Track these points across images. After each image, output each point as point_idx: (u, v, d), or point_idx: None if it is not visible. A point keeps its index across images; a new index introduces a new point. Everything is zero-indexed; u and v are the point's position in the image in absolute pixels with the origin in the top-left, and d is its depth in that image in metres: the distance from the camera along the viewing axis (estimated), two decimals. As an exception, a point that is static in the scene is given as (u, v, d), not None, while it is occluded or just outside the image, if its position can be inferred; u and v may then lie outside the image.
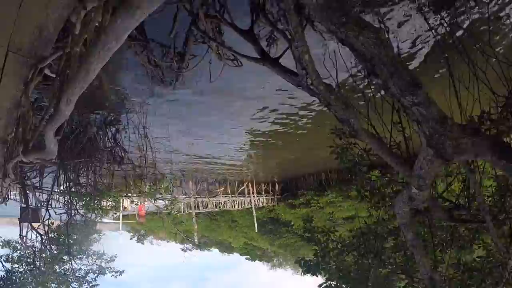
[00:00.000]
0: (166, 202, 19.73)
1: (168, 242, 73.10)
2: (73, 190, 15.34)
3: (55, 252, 14.67)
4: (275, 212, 37.06)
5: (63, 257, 14.46)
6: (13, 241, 15.58)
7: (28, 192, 16.24)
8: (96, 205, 16.02)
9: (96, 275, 15.71)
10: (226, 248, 56.09)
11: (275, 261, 55.83)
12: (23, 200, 18.77)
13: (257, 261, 55.61)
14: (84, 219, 16.99)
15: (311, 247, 30.38)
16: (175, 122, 14.81)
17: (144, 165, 14.53)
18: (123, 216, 30.96)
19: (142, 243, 64.12)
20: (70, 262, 14.77)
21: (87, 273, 15.52)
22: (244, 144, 20.04)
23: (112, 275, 16.25)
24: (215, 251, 60.30)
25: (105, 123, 14.20)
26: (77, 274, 14.86)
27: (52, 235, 14.99)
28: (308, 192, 32.78)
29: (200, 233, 56.47)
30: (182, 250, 67.23)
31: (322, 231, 9.90)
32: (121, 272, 16.46)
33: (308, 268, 8.93)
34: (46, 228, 15.08)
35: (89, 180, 16.15)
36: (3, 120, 4.99)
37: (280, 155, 24.22)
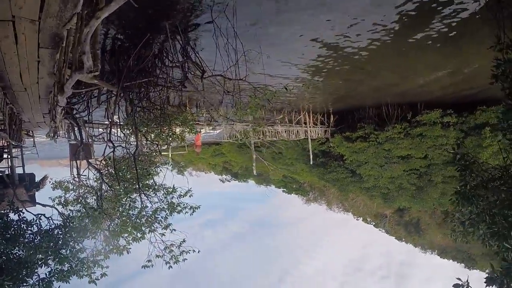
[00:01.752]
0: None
1: (206, 173, 74.31)
2: (136, 117, 13.46)
3: (117, 189, 12.94)
4: (327, 145, 35.74)
5: (128, 194, 12.65)
6: (65, 182, 14.27)
7: (77, 127, 15.11)
8: (165, 134, 14.51)
9: (167, 212, 13.33)
10: (264, 179, 56.22)
11: (310, 195, 55.95)
12: (73, 136, 17.74)
13: (293, 194, 55.81)
14: (148, 151, 15.70)
15: (360, 184, 29.21)
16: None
17: (235, 77, 11.76)
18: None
19: (182, 175, 64.93)
20: (133, 200, 12.94)
21: (155, 211, 13.14)
22: (306, 70, 18.08)
23: (186, 211, 13.61)
24: (251, 182, 60.76)
25: (176, 32, 11.86)
26: (144, 213, 12.59)
27: (109, 171, 13.51)
28: (368, 126, 30.88)
29: (239, 164, 56.70)
30: (220, 180, 68.74)
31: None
32: (195, 208, 13.77)
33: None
34: (104, 163, 13.80)
35: (155, 105, 14.53)
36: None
37: (339, 84, 22.10)
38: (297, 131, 30.97)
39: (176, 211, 13.44)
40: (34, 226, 10.20)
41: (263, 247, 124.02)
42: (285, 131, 30.22)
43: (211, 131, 29.18)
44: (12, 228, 9.74)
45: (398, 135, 29.68)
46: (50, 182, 15.07)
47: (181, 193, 14.02)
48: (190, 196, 14.28)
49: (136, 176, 12.34)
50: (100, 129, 19.80)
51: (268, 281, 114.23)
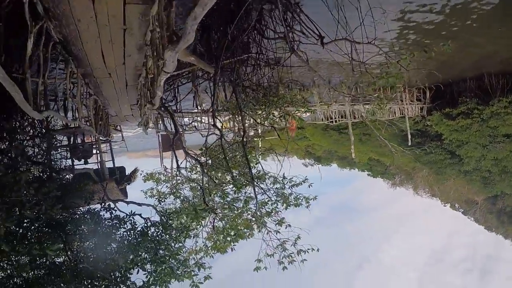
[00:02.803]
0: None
1: (289, 158, 73.89)
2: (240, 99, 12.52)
3: (222, 180, 12.03)
4: (424, 123, 34.06)
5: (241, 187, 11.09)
6: (156, 173, 13.88)
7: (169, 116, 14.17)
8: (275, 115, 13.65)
9: (280, 205, 11.69)
10: (348, 163, 55.28)
11: (396, 179, 54.03)
12: (163, 126, 17.90)
13: (378, 178, 54.39)
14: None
15: (459, 167, 26.92)
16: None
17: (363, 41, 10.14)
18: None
19: (265, 160, 65.41)
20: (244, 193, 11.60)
21: (268, 204, 11.53)
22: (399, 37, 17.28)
23: (301, 204, 11.79)
24: (334, 165, 60.12)
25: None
26: (256, 207, 11.03)
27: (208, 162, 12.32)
28: (471, 100, 28.38)
29: (323, 147, 56.20)
30: (304, 165, 68.63)
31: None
32: (311, 199, 11.87)
33: None
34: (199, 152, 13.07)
35: (258, 85, 13.83)
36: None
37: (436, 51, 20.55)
38: (393, 109, 29.95)
39: (293, 203, 11.73)
40: (128, 223, 9.22)
41: (343, 232, 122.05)
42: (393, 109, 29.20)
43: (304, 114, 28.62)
44: (104, 225, 8.84)
45: (505, 109, 26.93)
46: (141, 174, 15.00)
47: (295, 182, 12.21)
48: (309, 186, 12.63)
49: (248, 166, 10.75)
50: (186, 119, 20.52)
51: (347, 268, 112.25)
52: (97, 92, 9.00)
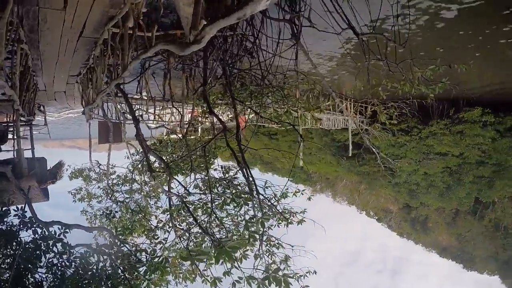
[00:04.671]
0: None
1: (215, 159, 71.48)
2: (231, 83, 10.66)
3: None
4: (360, 136, 34.63)
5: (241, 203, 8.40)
6: (86, 169, 11.42)
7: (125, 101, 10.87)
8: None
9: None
10: (271, 168, 54.87)
11: (317, 186, 55.16)
12: (105, 113, 14.42)
13: (300, 185, 54.91)
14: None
15: (390, 179, 28.15)
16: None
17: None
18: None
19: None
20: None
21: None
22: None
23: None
24: (256, 169, 59.17)
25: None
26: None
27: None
28: (411, 119, 30.16)
29: (250, 151, 54.70)
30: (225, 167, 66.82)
31: None
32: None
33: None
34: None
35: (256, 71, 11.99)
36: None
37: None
38: (339, 120, 29.76)
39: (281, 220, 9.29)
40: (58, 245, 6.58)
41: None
42: (329, 119, 28.86)
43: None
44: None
45: (441, 130, 29.14)
46: (66, 170, 11.94)
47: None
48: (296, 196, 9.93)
49: (247, 173, 7.80)
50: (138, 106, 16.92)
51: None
52: (32, 40, 5.88)
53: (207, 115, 12.95)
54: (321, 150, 39.84)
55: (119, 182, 11.05)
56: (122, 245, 6.73)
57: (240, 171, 8.99)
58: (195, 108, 13.28)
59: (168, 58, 10.95)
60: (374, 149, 29.16)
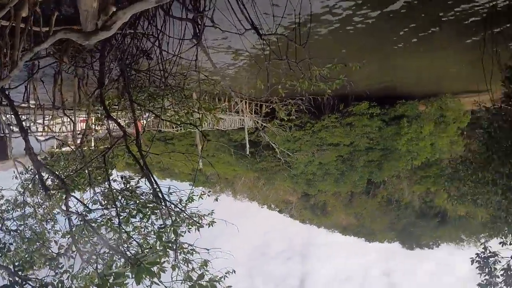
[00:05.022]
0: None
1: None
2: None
3: None
4: (257, 134, 35.48)
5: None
6: None
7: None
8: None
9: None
10: (169, 174, 53.60)
11: (217, 187, 55.26)
12: None
13: (199, 187, 54.43)
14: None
15: (288, 172, 30.10)
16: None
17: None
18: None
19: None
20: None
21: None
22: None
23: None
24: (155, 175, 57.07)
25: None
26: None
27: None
28: (304, 115, 31.49)
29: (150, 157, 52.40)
30: (121, 177, 63.00)
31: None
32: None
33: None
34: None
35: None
36: None
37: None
38: (235, 119, 30.07)
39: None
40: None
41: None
42: (225, 120, 28.93)
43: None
44: None
45: (332, 123, 31.63)
46: None
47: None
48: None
49: (152, 180, 7.03)
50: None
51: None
52: None
53: (102, 122, 11.91)
54: (219, 150, 39.98)
55: (9, 208, 9.48)
56: (24, 283, 5.67)
57: (142, 179, 8.61)
58: (90, 114, 12.07)
59: (61, 58, 9.62)
60: (274, 145, 30.45)
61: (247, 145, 32.45)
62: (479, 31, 14.01)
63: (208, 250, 8.56)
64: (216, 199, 10.55)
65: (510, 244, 11.78)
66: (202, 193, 9.35)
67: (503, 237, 12.07)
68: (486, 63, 13.27)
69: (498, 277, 11.02)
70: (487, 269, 11.16)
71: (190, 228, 8.77)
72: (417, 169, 39.59)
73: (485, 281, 11.09)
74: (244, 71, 22.10)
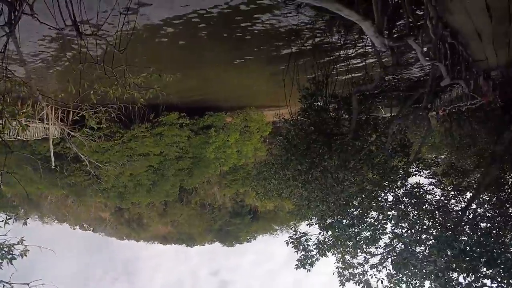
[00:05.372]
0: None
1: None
2: None
3: None
4: (63, 145, 32.79)
5: None
6: None
7: None
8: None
9: None
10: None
11: (21, 211, 47.99)
12: None
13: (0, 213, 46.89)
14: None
15: (99, 186, 30.76)
16: None
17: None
18: None
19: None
20: None
21: None
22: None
23: None
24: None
25: None
26: None
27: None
28: (114, 124, 30.43)
29: None
30: None
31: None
32: None
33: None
34: None
35: None
36: None
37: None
38: (39, 128, 27.18)
39: None
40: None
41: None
42: (30, 128, 25.88)
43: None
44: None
45: (143, 133, 31.65)
46: None
47: None
48: None
49: None
50: None
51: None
52: None
53: None
54: (19, 166, 35.53)
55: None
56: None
57: None
58: None
59: None
60: (83, 156, 28.79)
61: (52, 158, 29.67)
62: (284, 62, 17.15)
63: (28, 284, 8.25)
64: (25, 223, 9.92)
65: (316, 224, 14.56)
66: (8, 217, 8.95)
67: (308, 219, 15.01)
68: (287, 85, 16.30)
69: (313, 251, 13.71)
70: (301, 247, 13.76)
71: (1, 263, 8.27)
72: (226, 174, 43.50)
73: (302, 256, 13.60)
74: (59, 73, 20.62)
